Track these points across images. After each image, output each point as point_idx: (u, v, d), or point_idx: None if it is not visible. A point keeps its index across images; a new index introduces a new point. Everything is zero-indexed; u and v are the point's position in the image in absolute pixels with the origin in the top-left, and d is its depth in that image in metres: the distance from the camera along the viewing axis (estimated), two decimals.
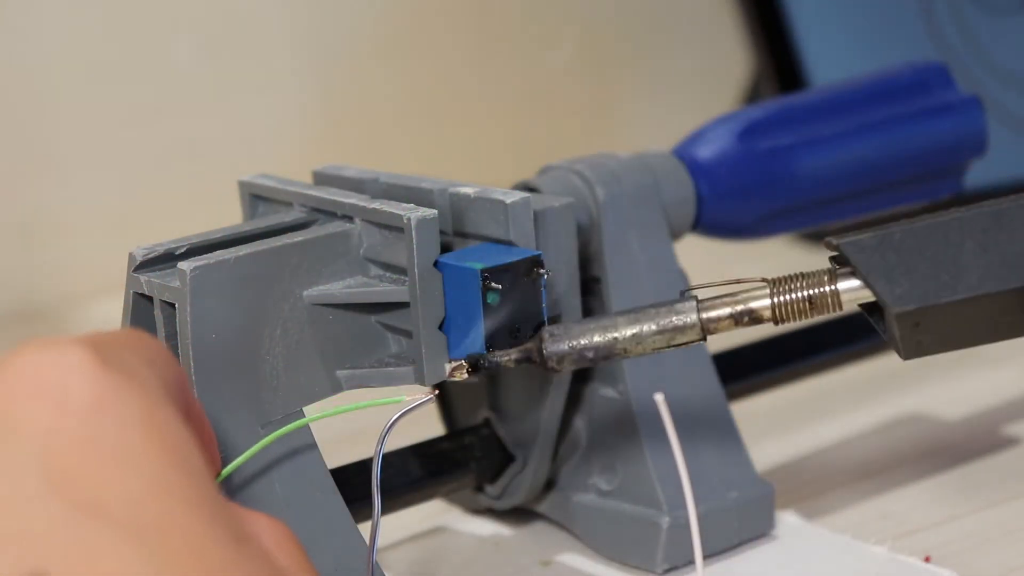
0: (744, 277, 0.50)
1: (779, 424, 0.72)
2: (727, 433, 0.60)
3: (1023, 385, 0.73)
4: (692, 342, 0.49)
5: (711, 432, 0.60)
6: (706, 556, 0.58)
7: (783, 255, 0.98)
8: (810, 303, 0.49)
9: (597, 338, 0.49)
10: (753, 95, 1.07)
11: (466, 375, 0.50)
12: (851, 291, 0.48)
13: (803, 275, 0.49)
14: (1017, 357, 0.73)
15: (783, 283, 0.49)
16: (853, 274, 0.48)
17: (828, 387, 0.73)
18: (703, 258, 0.69)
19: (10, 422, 0.39)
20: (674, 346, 0.49)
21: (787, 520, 0.61)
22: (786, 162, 0.64)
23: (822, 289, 0.49)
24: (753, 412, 0.69)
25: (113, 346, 0.41)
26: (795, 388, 0.70)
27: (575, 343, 0.49)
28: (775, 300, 0.49)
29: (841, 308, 0.49)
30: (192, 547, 0.38)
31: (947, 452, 0.68)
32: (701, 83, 1.17)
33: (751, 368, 0.67)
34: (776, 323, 0.49)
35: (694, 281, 0.61)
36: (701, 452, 0.59)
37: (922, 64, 0.69)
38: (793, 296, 0.49)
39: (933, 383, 0.74)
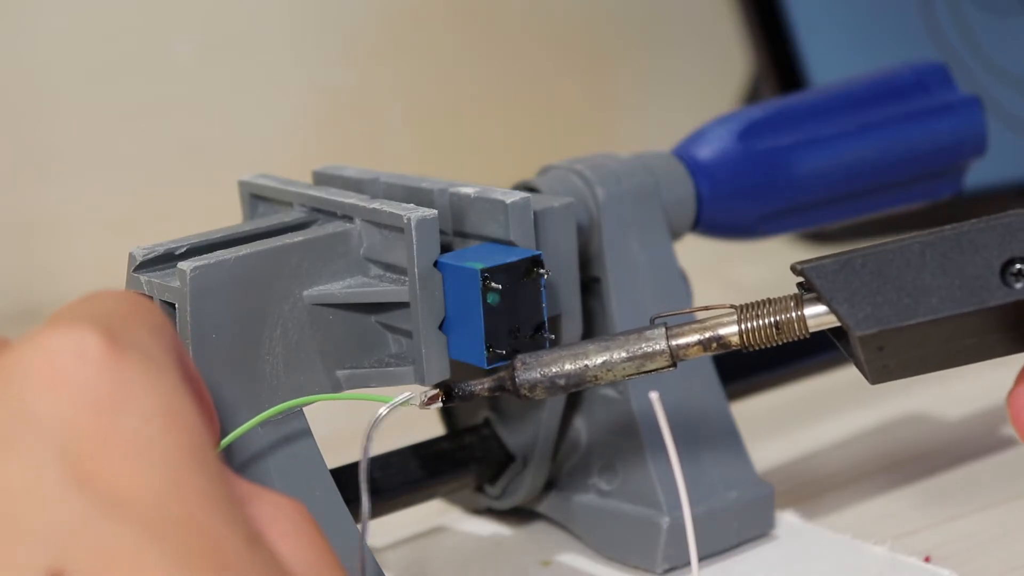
0: (713, 304, 0.50)
1: (779, 424, 0.72)
2: (727, 433, 0.60)
3: None
4: (662, 368, 0.50)
5: (711, 432, 0.60)
6: (706, 556, 0.58)
7: (783, 255, 0.98)
8: (777, 328, 0.49)
9: (568, 366, 0.50)
10: (753, 95, 1.07)
11: (440, 404, 0.50)
12: (817, 316, 0.49)
13: (770, 301, 0.49)
14: (1017, 357, 0.73)
15: (750, 309, 0.49)
16: (818, 299, 0.49)
17: (828, 387, 0.73)
18: (703, 258, 0.69)
19: (29, 413, 0.38)
20: (644, 372, 0.50)
21: (787, 520, 0.61)
22: (786, 162, 0.64)
23: (788, 315, 0.49)
24: (753, 412, 0.69)
25: (123, 322, 0.40)
26: (795, 388, 0.70)
27: (546, 371, 0.50)
28: (743, 326, 0.49)
29: (808, 333, 0.49)
30: (210, 548, 0.37)
31: (947, 452, 0.68)
32: (701, 83, 1.17)
33: (751, 368, 0.67)
34: (744, 349, 0.49)
35: (693, 282, 0.61)
36: (701, 452, 0.59)
37: (922, 64, 0.69)
38: (760, 322, 0.49)
39: (933, 383, 0.74)
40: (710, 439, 0.60)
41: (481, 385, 0.50)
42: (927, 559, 0.58)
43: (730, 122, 0.64)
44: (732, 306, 0.50)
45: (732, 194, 0.63)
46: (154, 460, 0.38)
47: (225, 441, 0.50)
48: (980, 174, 0.75)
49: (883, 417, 0.72)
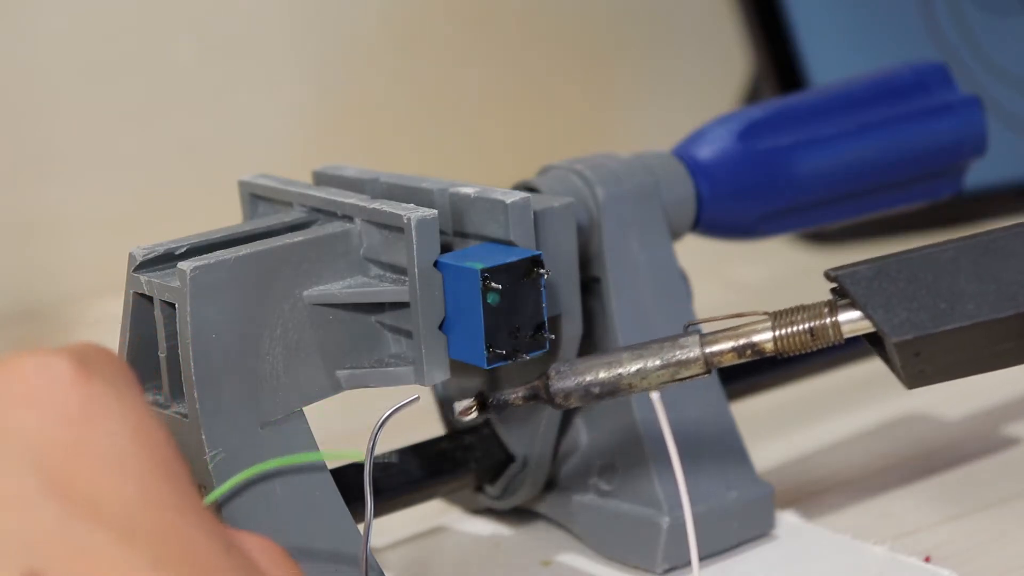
0: (746, 311, 0.51)
1: (779, 424, 0.72)
2: (727, 433, 0.60)
3: (1023, 385, 0.73)
4: (696, 375, 0.50)
5: (711, 432, 0.60)
6: (706, 556, 0.58)
7: (783, 255, 0.98)
8: (812, 335, 0.49)
9: (603, 374, 0.50)
10: (753, 95, 1.07)
11: (475, 414, 0.51)
12: (851, 322, 0.49)
13: (804, 307, 0.50)
14: None
15: (784, 316, 0.50)
16: (852, 305, 0.49)
17: (828, 387, 0.73)
18: (703, 258, 0.69)
19: (3, 428, 0.39)
20: (678, 380, 0.50)
21: (787, 520, 0.61)
22: (786, 162, 0.64)
23: (823, 321, 0.49)
24: (753, 412, 0.69)
25: (89, 353, 0.41)
26: (795, 388, 0.70)
27: (581, 379, 0.50)
28: (777, 333, 0.49)
29: (842, 339, 0.49)
30: (186, 551, 0.38)
31: (947, 452, 0.68)
32: (701, 83, 1.17)
33: (751, 368, 0.67)
34: (778, 355, 0.50)
35: (693, 282, 0.61)
36: (701, 452, 0.59)
37: (922, 64, 0.69)
38: (795, 329, 0.50)
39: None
40: (710, 439, 0.59)
41: (516, 394, 0.51)
42: (927, 559, 0.58)
43: (730, 122, 0.64)
44: (766, 313, 0.50)
45: (732, 194, 0.63)
46: (126, 470, 0.39)
47: (217, 492, 0.50)
48: (980, 174, 0.75)
49: (883, 417, 0.72)
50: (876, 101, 0.66)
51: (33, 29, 0.95)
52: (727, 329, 0.50)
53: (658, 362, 0.50)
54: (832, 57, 1.04)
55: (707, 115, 0.66)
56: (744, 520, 0.59)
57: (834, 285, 0.49)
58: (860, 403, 0.73)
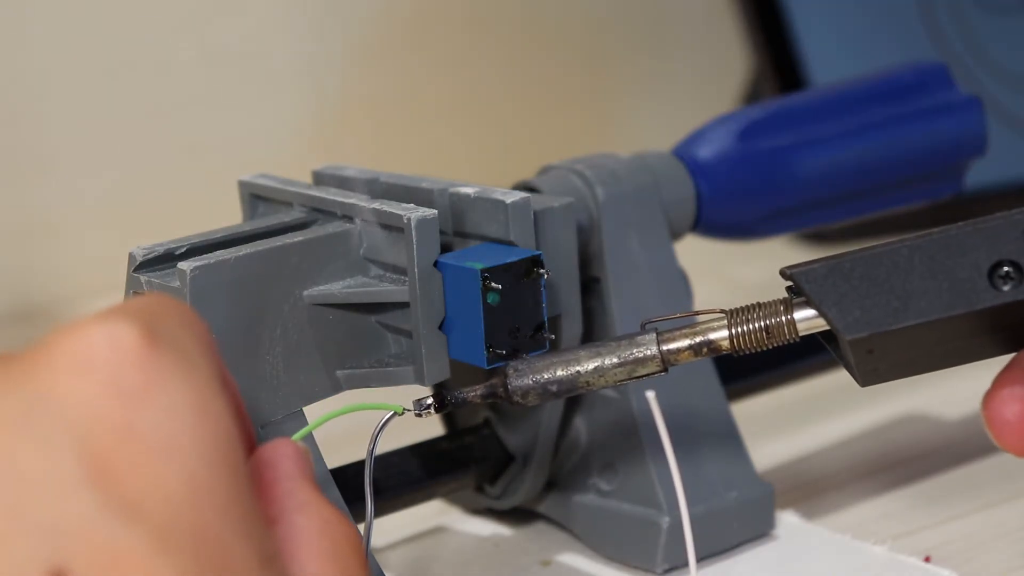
0: (703, 308, 0.51)
1: (779, 424, 0.72)
2: (727, 433, 0.60)
3: None
4: (653, 374, 0.50)
5: (711, 432, 0.60)
6: (706, 556, 0.58)
7: (783, 255, 0.97)
8: (767, 333, 0.50)
9: (560, 372, 0.50)
10: (753, 95, 1.07)
11: (433, 412, 0.50)
12: (806, 320, 0.49)
13: (760, 305, 0.50)
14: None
15: (740, 314, 0.50)
16: (807, 303, 0.49)
17: (828, 387, 0.73)
18: (703, 258, 0.69)
19: (54, 397, 0.37)
20: (635, 378, 0.50)
21: (787, 520, 0.61)
22: (786, 162, 0.64)
23: (778, 319, 0.49)
24: (753, 412, 0.69)
25: (161, 319, 0.40)
26: (795, 388, 0.70)
27: (538, 377, 0.50)
28: (733, 331, 0.50)
29: (798, 337, 0.50)
30: (219, 564, 0.36)
31: (947, 452, 0.68)
32: (701, 83, 1.17)
33: (751, 368, 0.67)
34: (735, 353, 0.50)
35: (693, 282, 0.61)
36: (701, 452, 0.59)
37: (922, 64, 0.69)
38: (750, 327, 0.50)
39: (933, 383, 0.74)
40: (710, 439, 0.60)
41: (473, 392, 0.51)
42: (927, 559, 0.58)
43: (730, 122, 0.64)
44: (722, 311, 0.50)
45: (732, 194, 0.63)
46: (175, 459, 0.37)
47: (306, 430, 0.49)
48: (980, 174, 0.75)
49: (883, 417, 0.72)
50: (876, 101, 0.66)
51: (33, 29, 0.95)
52: (684, 327, 0.50)
53: (615, 360, 0.50)
54: (832, 57, 1.04)
55: (707, 115, 0.66)
56: (744, 520, 0.59)
57: (789, 283, 0.49)
58: (860, 403, 0.73)
